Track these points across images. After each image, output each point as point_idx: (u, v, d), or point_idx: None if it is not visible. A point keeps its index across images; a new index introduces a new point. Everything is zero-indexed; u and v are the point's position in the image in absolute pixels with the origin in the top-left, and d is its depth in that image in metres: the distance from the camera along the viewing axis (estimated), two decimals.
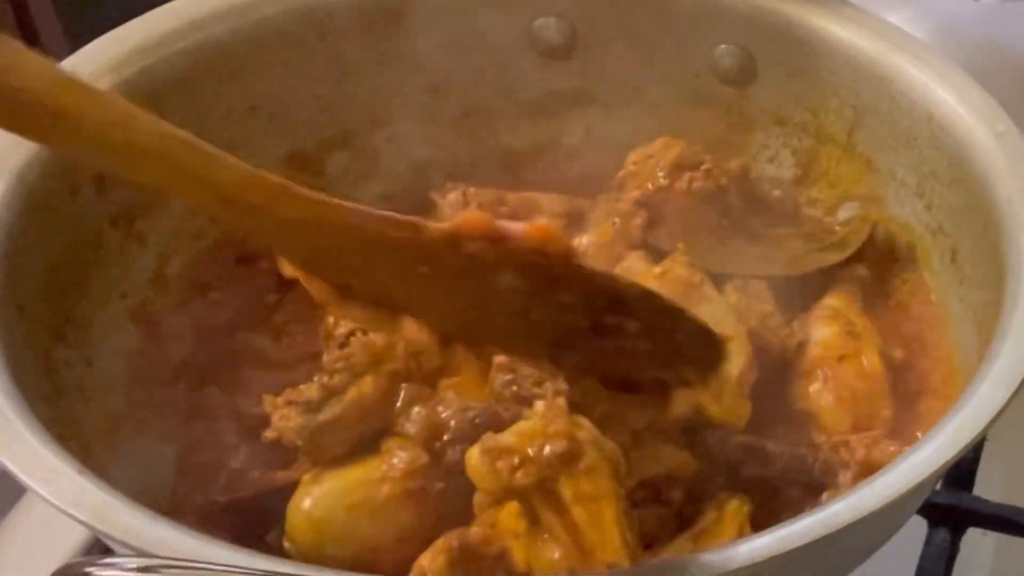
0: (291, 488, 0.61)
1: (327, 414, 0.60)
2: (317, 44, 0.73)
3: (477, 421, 0.58)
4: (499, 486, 0.54)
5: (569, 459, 0.54)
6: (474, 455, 0.55)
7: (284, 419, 0.60)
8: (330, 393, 0.60)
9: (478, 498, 0.57)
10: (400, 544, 0.58)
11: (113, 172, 0.53)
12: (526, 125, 0.78)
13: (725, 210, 0.72)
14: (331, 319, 0.63)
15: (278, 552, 0.59)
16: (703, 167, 0.71)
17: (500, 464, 0.54)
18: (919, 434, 0.62)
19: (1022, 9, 0.91)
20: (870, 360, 0.66)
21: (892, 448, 0.61)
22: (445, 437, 0.59)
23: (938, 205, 0.67)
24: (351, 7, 0.74)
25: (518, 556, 0.56)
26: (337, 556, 0.58)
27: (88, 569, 0.43)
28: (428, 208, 0.72)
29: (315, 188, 0.72)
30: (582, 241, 0.70)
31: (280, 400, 0.61)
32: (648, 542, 0.57)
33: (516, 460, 0.54)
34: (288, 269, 0.53)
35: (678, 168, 0.71)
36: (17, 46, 0.46)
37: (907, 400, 0.65)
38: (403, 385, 0.61)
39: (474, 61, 0.76)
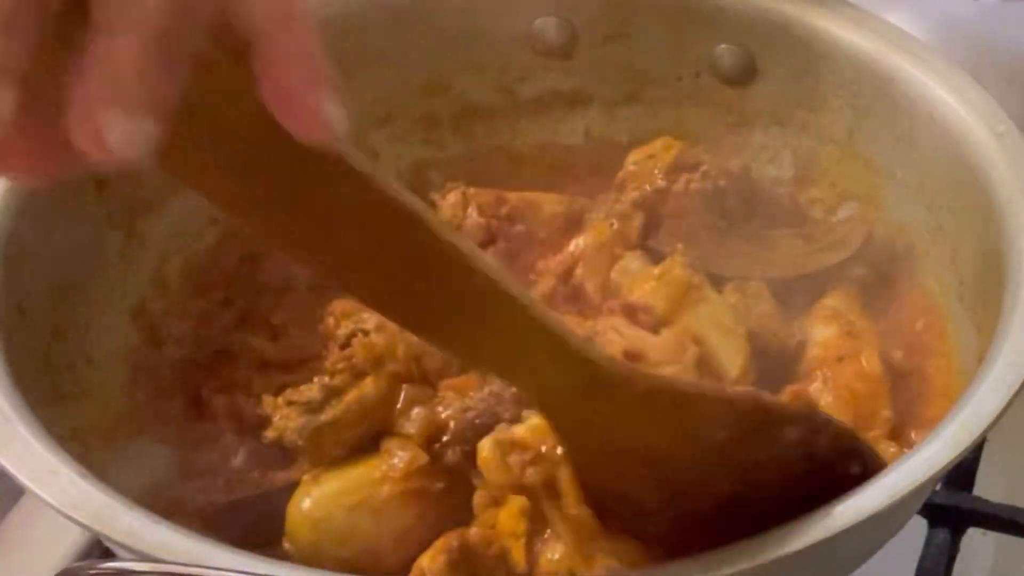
0: (291, 489, 0.61)
1: (328, 415, 0.60)
2: None
3: (477, 422, 0.58)
4: (509, 480, 0.55)
5: None
6: (486, 447, 0.55)
7: (285, 419, 0.60)
8: (331, 394, 0.60)
9: (478, 498, 0.57)
10: (400, 544, 0.58)
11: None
12: (526, 125, 0.78)
13: (724, 211, 0.72)
14: (331, 320, 0.63)
15: (278, 553, 0.59)
16: (701, 168, 0.71)
17: (512, 458, 0.54)
18: (919, 435, 0.62)
19: (1022, 9, 0.91)
20: (870, 360, 0.66)
21: (892, 449, 0.61)
22: (445, 438, 0.59)
23: (938, 205, 0.67)
24: (351, 7, 0.74)
25: (518, 556, 0.56)
26: (337, 556, 0.58)
27: (89, 572, 0.43)
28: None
29: None
30: (579, 243, 0.70)
31: (280, 400, 0.61)
32: None
33: (528, 456, 0.54)
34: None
35: (676, 170, 0.71)
36: None
37: (907, 400, 0.65)
38: (404, 386, 0.61)
39: (474, 61, 0.76)
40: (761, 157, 0.76)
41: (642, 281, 0.66)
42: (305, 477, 0.60)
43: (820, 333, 0.67)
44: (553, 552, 0.55)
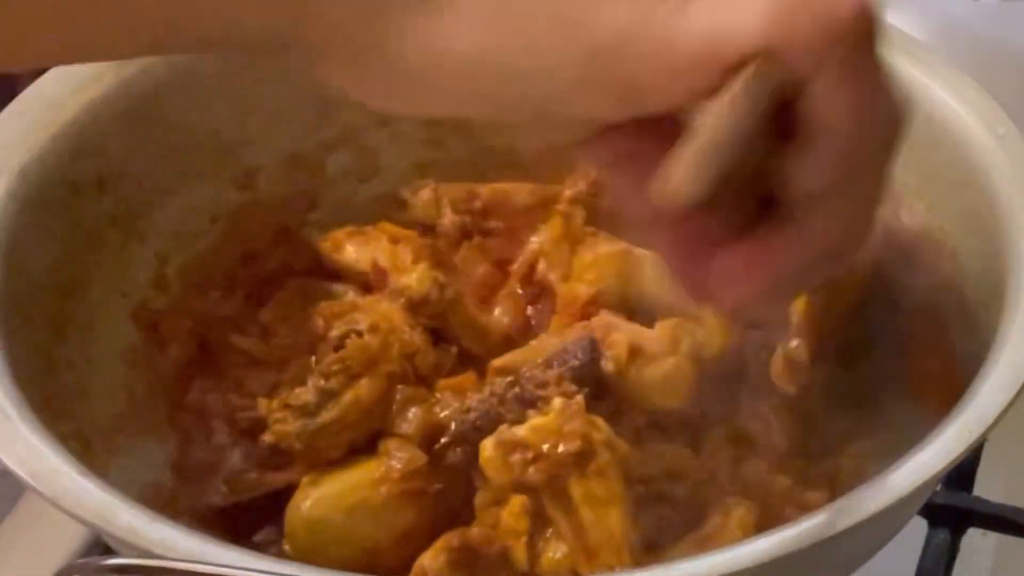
0: (290, 490, 0.61)
1: (324, 417, 0.60)
2: None
3: (478, 423, 0.58)
4: (511, 479, 0.55)
5: (581, 459, 0.54)
6: (488, 446, 0.55)
7: (281, 423, 0.60)
8: (327, 396, 0.60)
9: (479, 497, 0.58)
10: (400, 545, 0.59)
11: None
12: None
13: None
14: (320, 321, 0.63)
15: (277, 554, 0.59)
16: None
17: (514, 458, 0.54)
18: (919, 436, 0.62)
19: (1022, 9, 0.91)
20: None
21: None
22: (444, 438, 0.59)
23: (938, 206, 0.67)
24: None
25: (520, 555, 0.56)
26: (337, 557, 0.58)
27: (93, 565, 0.43)
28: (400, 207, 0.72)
29: (315, 188, 0.73)
30: (535, 239, 0.70)
31: (276, 403, 0.61)
32: (652, 545, 0.57)
33: (530, 455, 0.54)
34: None
35: None
36: None
37: (907, 401, 0.65)
38: (399, 387, 0.61)
39: None
40: None
41: (609, 255, 0.66)
42: (304, 479, 0.60)
43: None
44: (555, 551, 0.55)
